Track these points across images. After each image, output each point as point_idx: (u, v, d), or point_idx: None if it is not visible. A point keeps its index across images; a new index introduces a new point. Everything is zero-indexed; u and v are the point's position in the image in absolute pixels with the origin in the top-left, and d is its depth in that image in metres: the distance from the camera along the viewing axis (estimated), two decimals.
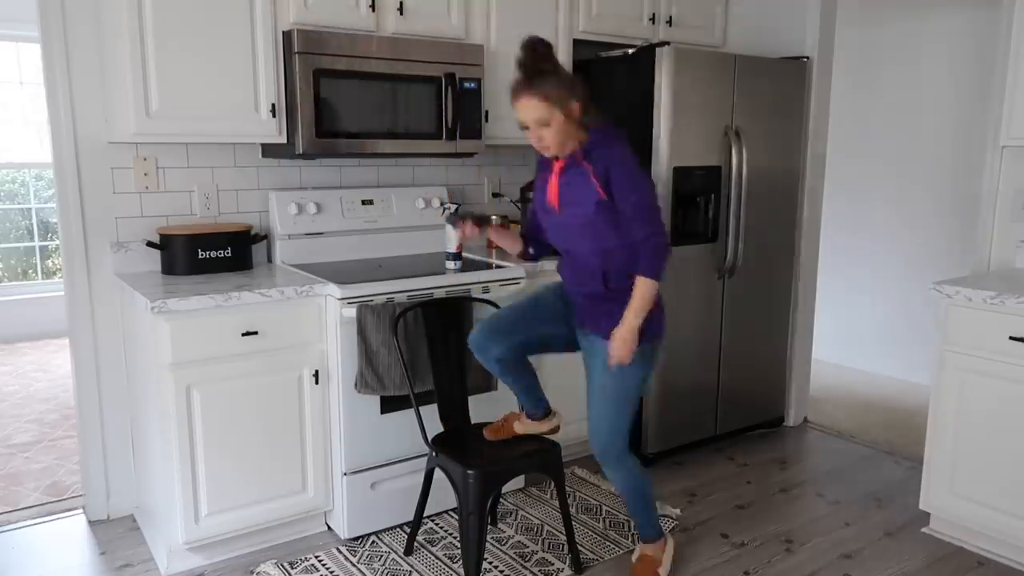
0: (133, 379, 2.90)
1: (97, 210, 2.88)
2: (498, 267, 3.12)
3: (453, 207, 3.09)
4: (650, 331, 2.35)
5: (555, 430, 2.67)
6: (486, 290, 2.98)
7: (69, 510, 3.13)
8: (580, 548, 2.81)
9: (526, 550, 2.81)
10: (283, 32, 2.81)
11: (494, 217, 3.11)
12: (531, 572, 2.67)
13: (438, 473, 2.66)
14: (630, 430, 2.49)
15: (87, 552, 2.82)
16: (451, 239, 3.07)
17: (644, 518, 2.57)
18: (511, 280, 3.05)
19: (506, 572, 2.67)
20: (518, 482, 3.28)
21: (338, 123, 2.87)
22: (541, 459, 2.62)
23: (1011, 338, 2.62)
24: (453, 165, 3.67)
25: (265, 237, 3.12)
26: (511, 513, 3.08)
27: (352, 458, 2.80)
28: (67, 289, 2.90)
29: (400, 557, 2.76)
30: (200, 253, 2.85)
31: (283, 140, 2.87)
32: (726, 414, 3.73)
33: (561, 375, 3.44)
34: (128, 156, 2.91)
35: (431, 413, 2.77)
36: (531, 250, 2.65)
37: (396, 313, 2.71)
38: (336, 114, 2.86)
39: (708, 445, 3.76)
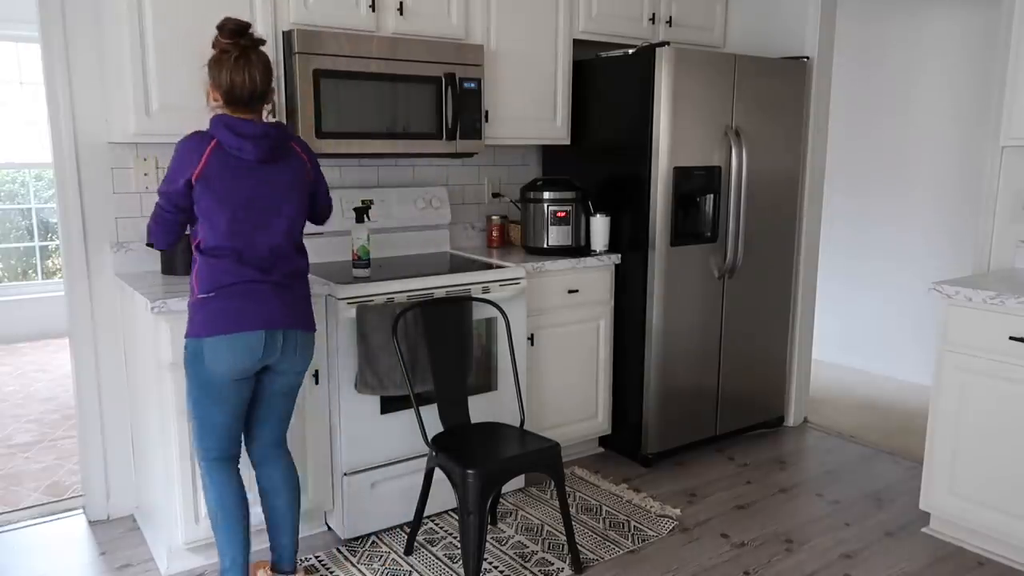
0: (133, 379, 2.89)
1: (97, 210, 2.89)
2: (498, 267, 3.12)
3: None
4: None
5: None
6: (486, 290, 2.98)
7: (69, 510, 3.13)
8: (580, 548, 2.82)
9: (526, 550, 2.81)
10: (283, 32, 2.81)
11: None
12: (531, 572, 2.67)
13: (438, 473, 2.66)
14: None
15: (87, 552, 2.82)
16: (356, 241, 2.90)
17: (218, 539, 2.34)
18: (511, 280, 3.05)
19: (506, 572, 2.67)
20: (518, 482, 3.28)
21: (338, 123, 2.87)
22: (541, 459, 2.62)
23: (1011, 338, 2.62)
24: (453, 165, 3.67)
25: None
26: (511, 513, 3.08)
27: (352, 458, 2.80)
28: (67, 289, 2.90)
29: (400, 557, 2.76)
30: None
31: None
32: (726, 414, 3.73)
33: (559, 374, 3.44)
34: (128, 156, 2.91)
35: (431, 413, 2.77)
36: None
37: (396, 313, 2.71)
38: (336, 114, 2.86)
39: (708, 445, 3.76)
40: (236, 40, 2.17)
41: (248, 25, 2.20)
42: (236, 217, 2.19)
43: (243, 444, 2.44)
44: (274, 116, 2.82)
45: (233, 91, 2.17)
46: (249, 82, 2.16)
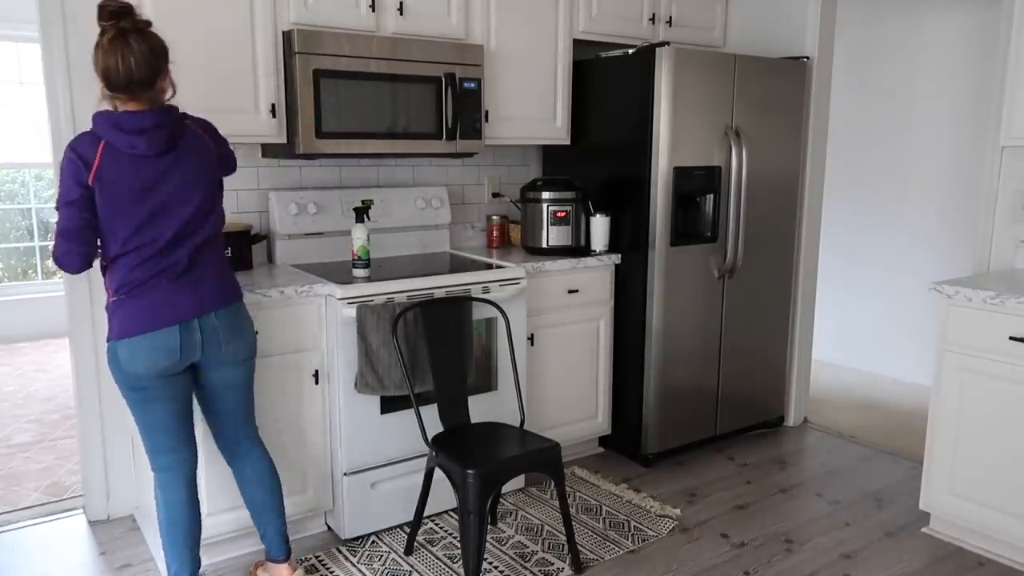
0: None
1: None
2: (498, 267, 3.12)
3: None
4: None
5: None
6: (486, 290, 2.98)
7: (69, 510, 3.13)
8: (580, 548, 2.82)
9: (526, 550, 2.81)
10: (283, 32, 2.82)
11: None
12: (531, 572, 2.67)
13: (438, 473, 2.66)
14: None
15: (87, 552, 2.82)
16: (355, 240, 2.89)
17: (165, 551, 2.31)
18: (511, 280, 3.05)
19: (506, 572, 2.67)
20: (518, 482, 3.28)
21: (338, 123, 2.87)
22: (541, 459, 2.62)
23: (1011, 338, 2.62)
24: (453, 165, 3.67)
25: (265, 237, 3.12)
26: (511, 513, 3.08)
27: (352, 458, 2.80)
28: (67, 289, 2.90)
29: (400, 557, 2.76)
30: None
31: (283, 140, 2.87)
32: (726, 414, 3.73)
33: (559, 374, 3.44)
34: None
35: (431, 413, 2.77)
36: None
37: (396, 313, 2.71)
38: (336, 114, 2.86)
39: (708, 445, 3.77)
40: (114, 22, 2.02)
41: (129, 7, 2.04)
42: (140, 214, 2.07)
43: (216, 442, 2.43)
44: (273, 115, 2.83)
45: (109, 76, 2.02)
46: (123, 67, 2.01)
